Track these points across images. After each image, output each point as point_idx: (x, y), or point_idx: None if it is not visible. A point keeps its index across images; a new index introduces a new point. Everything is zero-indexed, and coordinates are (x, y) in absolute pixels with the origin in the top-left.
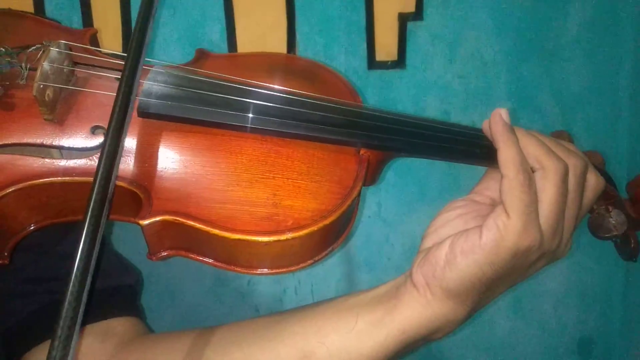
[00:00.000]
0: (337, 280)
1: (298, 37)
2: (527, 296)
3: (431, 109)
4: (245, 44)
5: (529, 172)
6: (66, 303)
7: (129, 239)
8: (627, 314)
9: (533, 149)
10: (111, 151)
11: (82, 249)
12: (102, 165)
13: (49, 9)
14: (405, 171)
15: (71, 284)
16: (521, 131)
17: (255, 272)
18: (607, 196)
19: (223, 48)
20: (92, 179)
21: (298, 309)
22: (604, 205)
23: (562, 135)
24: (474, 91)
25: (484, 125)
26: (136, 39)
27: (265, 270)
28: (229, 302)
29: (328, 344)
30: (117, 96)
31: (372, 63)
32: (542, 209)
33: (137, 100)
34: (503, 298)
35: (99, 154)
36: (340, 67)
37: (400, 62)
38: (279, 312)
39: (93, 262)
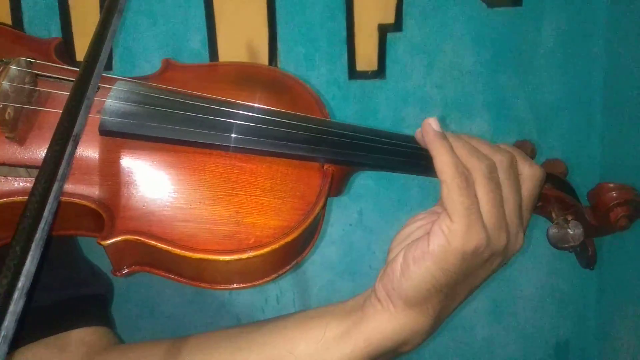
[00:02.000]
0: (319, 289)
1: (280, 47)
2: (505, 302)
3: (410, 118)
4: (227, 53)
5: (465, 175)
6: None
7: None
8: (601, 318)
9: (458, 151)
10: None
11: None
12: (36, 191)
13: (27, 17)
14: (386, 179)
15: None
16: (449, 136)
17: (220, 287)
18: (567, 206)
19: (205, 57)
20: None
21: (271, 320)
22: (562, 216)
23: (524, 145)
24: (452, 101)
25: (417, 135)
26: (91, 49)
27: (234, 285)
28: (210, 312)
29: (297, 353)
30: (62, 114)
31: (353, 73)
32: (481, 208)
33: (99, 118)
34: (481, 304)
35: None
36: (322, 77)
37: (380, 72)
38: (253, 322)
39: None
